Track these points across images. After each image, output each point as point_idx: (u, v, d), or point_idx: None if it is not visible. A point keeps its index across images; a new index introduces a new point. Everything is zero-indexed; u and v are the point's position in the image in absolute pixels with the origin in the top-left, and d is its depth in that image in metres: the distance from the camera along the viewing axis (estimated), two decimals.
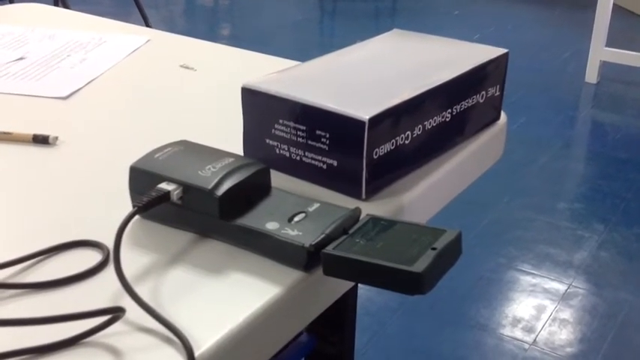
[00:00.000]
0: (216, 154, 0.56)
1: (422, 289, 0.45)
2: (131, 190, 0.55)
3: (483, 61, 0.68)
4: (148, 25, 3.15)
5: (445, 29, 3.89)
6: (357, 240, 0.49)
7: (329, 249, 0.48)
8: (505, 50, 0.71)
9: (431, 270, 0.45)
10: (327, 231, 0.50)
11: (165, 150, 0.56)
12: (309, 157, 0.60)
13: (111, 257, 0.51)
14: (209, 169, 0.53)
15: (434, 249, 0.47)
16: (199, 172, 0.53)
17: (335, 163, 0.59)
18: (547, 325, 1.77)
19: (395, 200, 0.59)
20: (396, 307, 1.82)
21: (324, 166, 0.59)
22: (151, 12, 3.42)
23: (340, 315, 0.84)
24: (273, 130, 0.61)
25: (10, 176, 0.63)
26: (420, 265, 0.45)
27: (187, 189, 0.52)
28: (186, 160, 0.55)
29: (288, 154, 0.61)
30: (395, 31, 0.77)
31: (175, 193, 0.52)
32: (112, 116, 0.74)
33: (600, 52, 3.05)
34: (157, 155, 0.55)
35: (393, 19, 4.29)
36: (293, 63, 0.87)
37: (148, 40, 0.94)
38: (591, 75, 3.11)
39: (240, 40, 3.81)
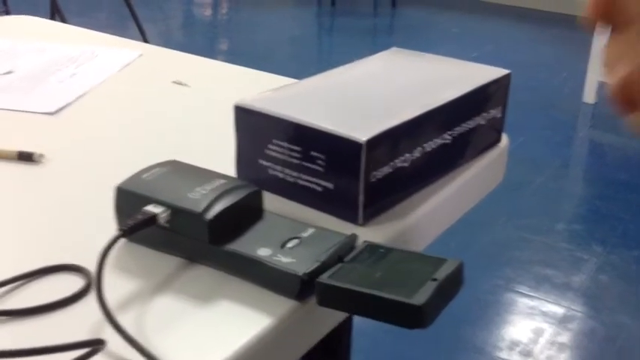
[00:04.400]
0: (206, 175, 0.53)
1: (422, 322, 0.42)
2: (117, 211, 0.53)
3: (485, 82, 0.66)
4: (144, 39, 3.13)
5: (444, 47, 3.88)
6: (354, 269, 0.47)
7: (323, 278, 0.46)
8: (507, 71, 0.69)
9: (431, 302, 0.43)
10: (322, 258, 0.47)
11: (154, 170, 0.54)
12: (304, 180, 0.57)
13: (94, 283, 0.48)
14: (199, 191, 0.51)
15: (434, 280, 0.44)
16: (188, 195, 0.50)
17: (331, 186, 0.56)
18: (545, 348, 1.74)
19: (393, 225, 0.56)
20: (391, 329, 1.79)
21: (320, 189, 0.57)
22: (148, 26, 3.40)
23: (334, 343, 0.81)
24: (266, 151, 0.59)
25: None
26: (420, 298, 0.42)
27: (175, 212, 0.50)
28: (175, 181, 0.52)
29: (282, 176, 0.59)
30: (393, 49, 0.75)
31: (163, 216, 0.50)
32: (101, 133, 0.71)
33: (598, 73, 3.04)
34: (144, 176, 0.53)
35: (391, 36, 4.28)
36: (289, 80, 0.85)
37: (141, 55, 0.92)
38: (589, 95, 3.10)
39: (237, 55, 3.80)
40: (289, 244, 0.49)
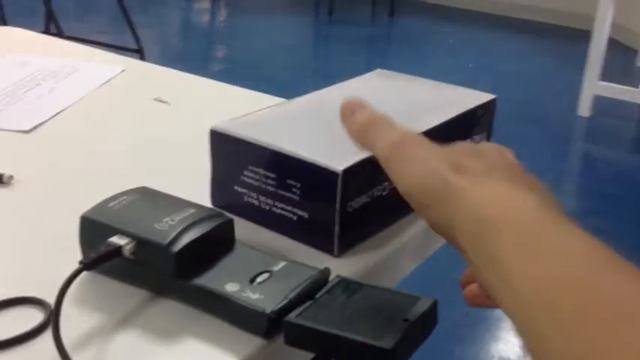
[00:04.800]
0: (176, 203, 0.52)
1: None
2: (81, 241, 0.51)
3: (471, 107, 0.64)
4: (138, 44, 3.12)
5: (440, 58, 3.87)
6: (324, 307, 0.45)
7: (292, 317, 0.44)
8: (493, 96, 0.67)
9: (401, 345, 0.41)
10: (291, 295, 0.46)
11: (121, 198, 0.52)
12: (280, 207, 0.56)
13: (52, 319, 0.46)
14: (167, 221, 0.49)
15: (406, 320, 0.42)
16: (155, 225, 0.49)
17: (306, 215, 0.54)
18: None
19: (371, 256, 0.55)
20: None
21: (295, 218, 0.55)
22: (144, 31, 3.39)
23: None
24: (242, 177, 0.57)
25: None
26: (389, 341, 0.41)
27: (141, 243, 0.48)
28: (143, 210, 0.51)
29: (257, 203, 0.57)
30: (378, 71, 0.73)
31: (127, 247, 0.48)
32: (75, 154, 0.69)
33: (594, 86, 3.03)
34: (111, 204, 0.51)
35: (388, 46, 4.28)
36: (274, 99, 0.83)
37: (123, 70, 0.90)
38: (584, 108, 3.09)
39: (233, 62, 3.79)
40: (259, 279, 0.47)
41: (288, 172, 0.54)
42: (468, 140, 0.65)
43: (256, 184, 0.56)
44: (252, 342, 0.45)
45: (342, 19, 4.64)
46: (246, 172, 0.57)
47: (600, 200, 2.48)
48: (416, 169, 0.41)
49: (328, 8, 4.58)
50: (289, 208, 0.55)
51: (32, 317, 0.46)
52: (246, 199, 0.57)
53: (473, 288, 0.45)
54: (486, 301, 0.42)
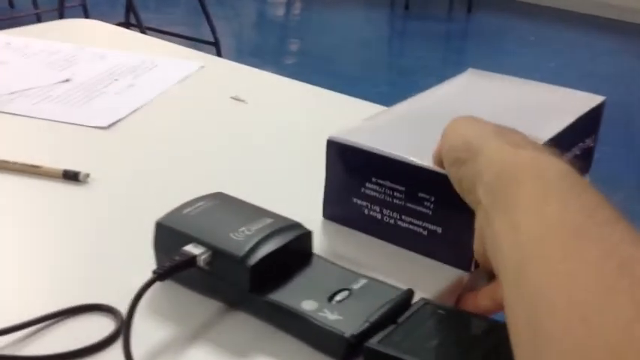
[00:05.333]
0: (253, 213, 0.49)
1: None
2: (155, 248, 0.49)
3: (586, 110, 0.60)
4: (215, 37, 3.14)
5: (519, 56, 3.76)
6: (408, 333, 0.42)
7: (373, 342, 0.41)
8: (602, 98, 0.63)
9: None
10: (372, 318, 0.43)
11: (197, 204, 0.50)
12: (407, 221, 0.52)
13: (123, 330, 0.45)
14: (243, 231, 0.47)
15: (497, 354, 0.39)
16: (231, 235, 0.46)
17: (439, 230, 0.51)
18: None
19: (458, 273, 0.51)
20: None
21: (425, 232, 0.52)
22: (220, 23, 3.41)
23: None
24: (363, 189, 0.54)
25: (31, 216, 0.58)
26: None
27: (216, 254, 0.46)
28: (219, 218, 0.49)
29: (380, 217, 0.54)
30: (470, 71, 0.69)
31: (202, 257, 0.46)
32: (152, 153, 0.68)
33: None
34: (186, 210, 0.49)
35: (465, 42, 4.19)
36: (350, 100, 0.80)
37: (202, 67, 0.88)
38: None
39: (307, 55, 3.77)
40: (337, 297, 0.45)
41: (419, 185, 0.51)
42: (580, 144, 0.61)
43: (380, 196, 0.53)
44: None
45: (419, 14, 4.57)
46: (368, 184, 0.53)
47: None
48: (467, 129, 0.46)
49: (404, 2, 4.51)
50: (419, 222, 0.52)
51: (103, 326, 0.45)
52: (366, 212, 0.54)
53: (470, 294, 0.49)
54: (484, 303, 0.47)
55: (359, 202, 0.54)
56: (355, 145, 0.54)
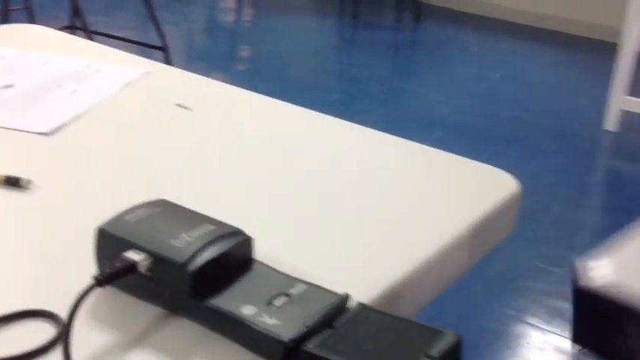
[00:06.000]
0: (195, 219, 0.50)
1: None
2: (97, 254, 0.49)
3: None
4: (163, 42, 3.12)
5: (467, 66, 3.83)
6: (343, 337, 0.43)
7: (310, 346, 0.42)
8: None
9: None
10: (310, 323, 0.44)
11: (139, 211, 0.50)
12: None
13: (63, 335, 0.45)
14: (184, 238, 0.48)
15: (428, 357, 0.41)
16: (172, 242, 0.47)
17: None
18: None
19: (395, 280, 0.53)
20: None
21: None
22: (170, 28, 3.39)
23: None
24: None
25: None
26: None
27: (157, 260, 0.46)
28: (160, 225, 0.49)
29: None
30: None
31: (143, 264, 0.46)
32: (95, 159, 0.68)
33: (620, 101, 2.98)
34: (128, 217, 0.50)
35: (413, 51, 4.24)
36: (298, 109, 0.82)
37: (148, 73, 0.89)
38: (610, 123, 3.04)
39: (257, 62, 3.77)
40: (276, 302, 0.46)
41: None
42: None
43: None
44: None
45: (367, 23, 4.61)
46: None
47: (625, 216, 2.44)
48: None
49: (353, 11, 4.55)
50: None
51: (43, 331, 0.45)
52: None
53: None
54: None
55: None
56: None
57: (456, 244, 0.58)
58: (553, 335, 1.87)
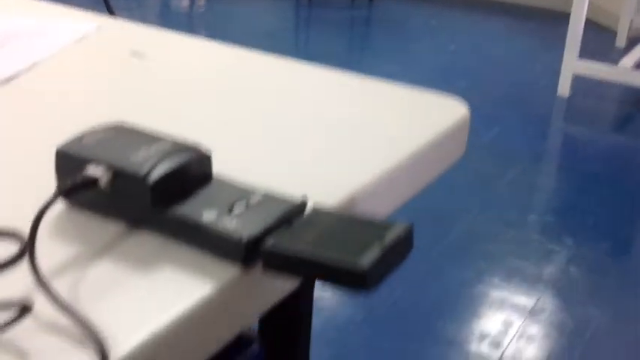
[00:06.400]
0: (153, 137, 0.51)
1: (366, 285, 0.41)
2: (57, 175, 0.50)
3: None
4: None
5: (421, 41, 3.87)
6: (300, 233, 0.45)
7: (269, 243, 0.44)
8: None
9: (377, 266, 0.41)
10: (268, 223, 0.45)
11: (97, 132, 0.51)
12: None
13: (27, 248, 0.46)
14: (143, 153, 0.49)
15: (381, 243, 0.42)
16: (131, 157, 0.48)
17: None
18: (514, 340, 1.73)
19: (344, 193, 0.55)
20: (361, 321, 1.77)
21: None
22: (122, 14, 3.36)
23: (294, 325, 0.79)
24: None
25: None
26: (365, 261, 0.41)
27: (117, 174, 0.47)
28: (119, 143, 0.50)
29: None
30: None
31: (104, 178, 0.47)
32: (49, 104, 0.69)
33: (573, 65, 3.05)
34: (86, 138, 0.51)
35: (369, 28, 4.27)
36: (255, 55, 0.83)
37: (98, 27, 0.89)
38: (563, 88, 3.11)
39: None
40: (236, 209, 0.47)
41: None
42: None
43: None
44: (230, 270, 0.45)
45: (322, 3, 4.63)
46: None
47: (579, 178, 2.50)
48: None
49: None
50: None
51: (5, 249, 0.46)
52: None
53: None
54: None
55: None
56: None
57: (410, 159, 0.60)
58: (510, 293, 1.92)
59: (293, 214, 0.47)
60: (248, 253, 0.44)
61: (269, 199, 0.49)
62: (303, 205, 0.48)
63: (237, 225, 0.46)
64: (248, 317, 0.46)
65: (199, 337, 0.43)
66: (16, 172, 0.56)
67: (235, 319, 0.45)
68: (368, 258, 0.41)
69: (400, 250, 0.44)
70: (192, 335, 0.42)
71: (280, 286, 0.48)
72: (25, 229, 0.48)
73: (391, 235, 0.43)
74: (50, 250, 0.46)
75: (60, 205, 0.51)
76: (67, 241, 0.47)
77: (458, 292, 1.89)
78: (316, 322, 1.73)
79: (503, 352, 1.68)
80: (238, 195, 0.49)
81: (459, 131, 0.66)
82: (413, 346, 1.69)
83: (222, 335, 0.45)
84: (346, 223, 0.46)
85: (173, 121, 0.65)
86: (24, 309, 0.39)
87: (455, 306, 1.84)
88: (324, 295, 1.85)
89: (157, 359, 0.40)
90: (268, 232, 0.45)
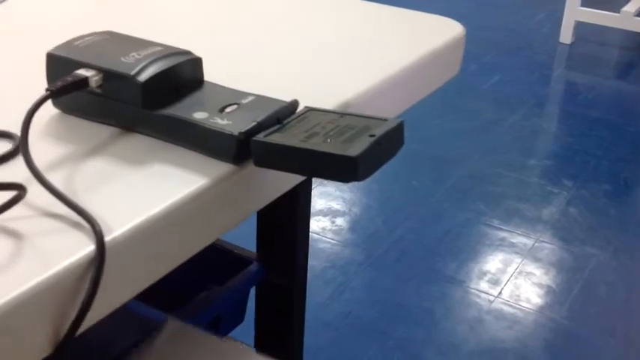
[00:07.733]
0: (143, 43, 0.51)
1: (356, 175, 0.41)
2: (48, 79, 0.50)
3: None
4: None
5: None
6: (291, 129, 0.45)
7: (259, 137, 0.44)
8: None
9: (366, 156, 0.41)
10: (259, 119, 0.46)
11: (87, 38, 0.51)
12: None
13: (21, 146, 0.46)
14: (133, 56, 0.49)
15: (372, 136, 0.43)
16: (122, 59, 0.48)
17: None
18: (513, 278, 1.75)
19: (340, 98, 0.55)
20: (362, 260, 1.79)
21: None
22: None
23: (291, 244, 0.80)
24: None
25: None
26: (354, 150, 0.41)
27: (108, 76, 0.48)
28: (109, 47, 0.50)
29: None
30: None
31: (94, 79, 0.47)
32: (39, 21, 0.68)
33: (575, 12, 3.01)
34: (77, 43, 0.51)
35: None
36: None
37: None
38: (566, 35, 3.08)
39: None
40: (227, 109, 0.47)
41: None
42: None
43: None
44: (221, 166, 0.45)
45: None
46: None
47: (580, 123, 2.49)
48: None
49: None
50: None
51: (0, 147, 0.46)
52: None
53: None
54: None
55: None
56: None
57: (404, 72, 0.60)
58: (510, 233, 1.93)
59: (285, 113, 0.47)
60: (240, 148, 0.45)
61: (261, 99, 0.49)
62: (294, 105, 0.48)
63: (229, 121, 0.46)
64: (240, 213, 0.47)
65: (193, 228, 0.43)
66: (7, 82, 0.56)
67: (227, 214, 0.46)
68: (358, 148, 0.41)
69: (391, 144, 0.44)
70: (185, 224, 0.43)
71: (274, 183, 0.49)
72: (18, 131, 0.48)
73: (383, 129, 0.43)
74: (43, 151, 0.47)
75: (52, 112, 0.51)
76: (59, 143, 0.48)
77: (458, 232, 1.90)
78: (316, 263, 1.75)
79: (501, 289, 1.70)
80: (230, 97, 0.49)
81: (453, 49, 0.66)
82: (412, 284, 1.71)
83: (216, 229, 0.45)
84: (339, 119, 0.46)
85: (163, 34, 0.65)
86: (19, 188, 0.39)
87: (455, 245, 1.85)
88: (324, 237, 1.87)
89: (152, 244, 0.41)
90: (260, 128, 0.45)
